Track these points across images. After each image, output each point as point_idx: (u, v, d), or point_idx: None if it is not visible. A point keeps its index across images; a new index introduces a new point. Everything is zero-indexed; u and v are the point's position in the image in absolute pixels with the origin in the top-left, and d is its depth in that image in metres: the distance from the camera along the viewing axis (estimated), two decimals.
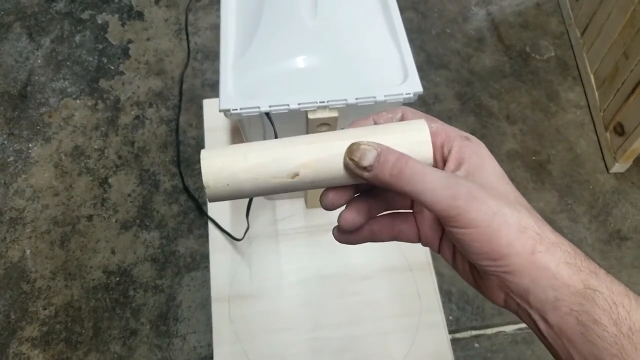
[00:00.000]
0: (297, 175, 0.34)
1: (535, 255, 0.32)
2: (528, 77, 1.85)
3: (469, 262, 0.36)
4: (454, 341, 1.37)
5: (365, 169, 0.33)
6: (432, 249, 0.39)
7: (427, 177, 0.32)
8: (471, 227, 0.32)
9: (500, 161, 1.63)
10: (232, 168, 0.35)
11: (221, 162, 0.35)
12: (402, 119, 0.38)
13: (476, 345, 1.38)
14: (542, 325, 0.32)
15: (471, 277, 0.37)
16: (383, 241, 0.40)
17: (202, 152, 0.36)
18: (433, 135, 0.36)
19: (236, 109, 0.59)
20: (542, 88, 1.83)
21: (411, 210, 0.40)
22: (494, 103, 1.79)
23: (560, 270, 0.31)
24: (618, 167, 1.63)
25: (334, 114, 0.60)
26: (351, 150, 0.33)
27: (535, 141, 1.71)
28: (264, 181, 0.35)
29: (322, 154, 0.34)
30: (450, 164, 0.35)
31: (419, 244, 0.40)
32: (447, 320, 1.38)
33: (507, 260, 0.32)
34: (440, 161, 0.36)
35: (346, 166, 0.34)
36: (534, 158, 1.68)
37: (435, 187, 0.32)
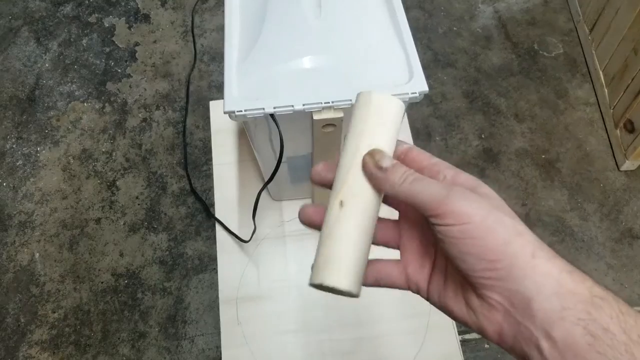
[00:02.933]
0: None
1: (536, 259, 0.30)
2: (536, 74, 1.84)
3: (462, 290, 0.35)
4: (463, 342, 1.36)
5: (381, 169, 0.35)
6: (420, 293, 0.38)
7: (426, 180, 0.34)
8: (464, 221, 0.31)
9: (509, 160, 1.61)
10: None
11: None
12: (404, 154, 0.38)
13: (486, 346, 1.37)
14: (545, 345, 0.29)
15: (464, 308, 0.35)
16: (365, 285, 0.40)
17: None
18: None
19: (241, 111, 0.59)
20: (550, 85, 1.81)
21: (398, 249, 0.40)
22: (502, 101, 1.78)
23: (563, 277, 0.30)
24: (629, 165, 1.61)
25: (339, 114, 0.59)
26: (372, 153, 0.36)
27: (544, 139, 1.70)
28: None
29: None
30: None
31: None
32: None
33: (506, 262, 0.30)
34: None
35: (365, 165, 0.36)
36: (543, 156, 1.67)
37: (432, 187, 0.33)
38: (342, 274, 0.34)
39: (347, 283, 0.34)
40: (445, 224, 0.32)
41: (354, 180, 0.36)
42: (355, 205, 0.35)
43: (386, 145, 0.37)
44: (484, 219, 0.31)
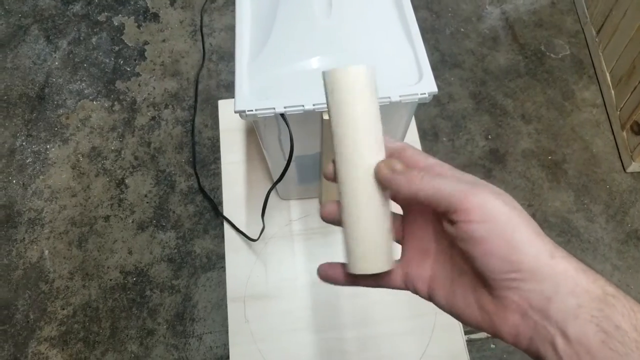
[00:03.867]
0: None
1: (555, 259, 0.31)
2: (543, 76, 1.84)
3: (472, 292, 0.35)
4: (469, 342, 1.36)
5: (395, 171, 0.35)
6: (419, 293, 0.38)
7: (445, 178, 0.34)
8: (489, 219, 0.31)
9: (515, 160, 1.61)
10: None
11: None
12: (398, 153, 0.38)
13: (492, 346, 1.37)
14: (559, 342, 0.30)
15: (476, 311, 0.34)
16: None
17: None
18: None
19: (251, 110, 0.59)
20: (557, 87, 1.81)
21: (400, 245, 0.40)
22: (508, 102, 1.78)
23: (579, 276, 0.30)
24: (635, 166, 1.61)
25: None
26: (385, 161, 0.36)
27: (550, 140, 1.70)
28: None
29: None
30: None
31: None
32: None
33: (529, 263, 0.31)
34: None
35: (380, 173, 0.36)
36: (549, 157, 1.67)
37: (453, 182, 0.33)
38: (367, 262, 0.37)
39: (373, 267, 0.37)
40: (469, 219, 0.31)
41: (350, 178, 0.37)
42: (352, 201, 0.37)
43: (375, 125, 0.38)
44: (510, 218, 0.31)
